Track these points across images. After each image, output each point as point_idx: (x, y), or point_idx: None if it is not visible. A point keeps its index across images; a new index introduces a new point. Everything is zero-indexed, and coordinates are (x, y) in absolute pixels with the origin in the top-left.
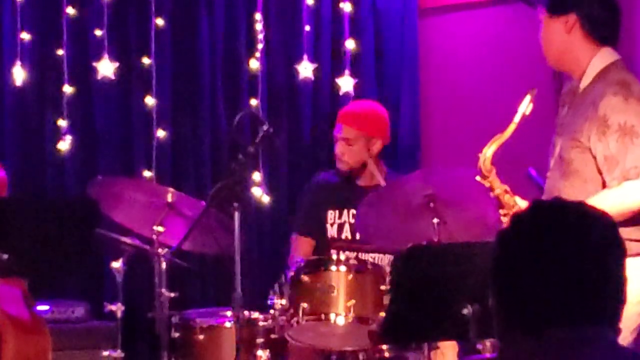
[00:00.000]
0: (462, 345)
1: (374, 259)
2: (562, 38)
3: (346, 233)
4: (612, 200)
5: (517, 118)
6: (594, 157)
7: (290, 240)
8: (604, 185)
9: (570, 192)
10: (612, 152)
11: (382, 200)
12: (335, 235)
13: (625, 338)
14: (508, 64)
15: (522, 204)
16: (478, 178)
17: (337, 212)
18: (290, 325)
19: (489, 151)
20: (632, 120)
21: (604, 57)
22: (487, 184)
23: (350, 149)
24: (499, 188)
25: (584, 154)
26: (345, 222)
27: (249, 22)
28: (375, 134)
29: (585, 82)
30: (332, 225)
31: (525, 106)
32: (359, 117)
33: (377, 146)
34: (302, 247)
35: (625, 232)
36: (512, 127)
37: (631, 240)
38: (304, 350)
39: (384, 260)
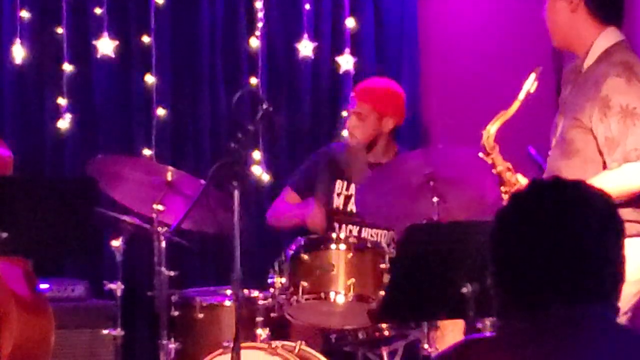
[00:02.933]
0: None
1: (377, 234)
2: (567, 17)
3: (352, 206)
4: (611, 182)
5: (521, 95)
6: (595, 138)
7: (282, 193)
8: (604, 166)
9: (570, 172)
10: (613, 133)
11: (382, 178)
12: (341, 207)
13: (620, 317)
14: (508, 41)
15: (524, 181)
16: (481, 154)
17: (344, 183)
18: (290, 304)
19: (492, 128)
20: (634, 102)
21: (608, 36)
22: (489, 161)
23: (362, 124)
24: (501, 165)
25: (585, 134)
26: (352, 195)
27: (248, 0)
28: (388, 112)
29: (588, 61)
30: (338, 195)
31: (530, 84)
32: (374, 93)
33: (388, 124)
34: (289, 200)
35: (623, 213)
36: (516, 105)
37: (629, 221)
38: (303, 329)
39: (387, 236)
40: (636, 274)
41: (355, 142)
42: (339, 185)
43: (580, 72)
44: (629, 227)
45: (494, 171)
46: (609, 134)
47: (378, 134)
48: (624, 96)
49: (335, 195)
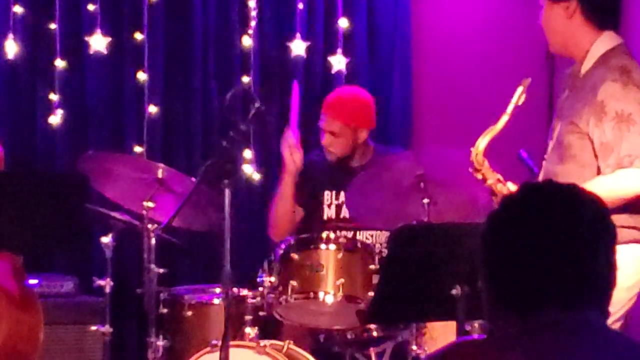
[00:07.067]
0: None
1: (372, 236)
2: (563, 23)
3: (345, 213)
4: (604, 187)
5: (509, 109)
6: (592, 143)
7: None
8: (599, 171)
9: (566, 176)
10: (607, 139)
11: (372, 180)
12: (333, 217)
13: (613, 323)
14: (501, 43)
15: (515, 189)
16: (470, 170)
17: (333, 193)
18: (279, 303)
19: (481, 144)
20: (629, 108)
21: (605, 41)
22: (479, 177)
23: (337, 140)
24: (492, 179)
25: (582, 139)
26: (343, 203)
27: None
28: (361, 124)
29: (586, 66)
30: (329, 206)
31: (518, 96)
32: (344, 108)
33: (363, 135)
34: None
35: (616, 219)
36: (504, 119)
37: (623, 227)
38: (292, 328)
39: (382, 237)
40: (630, 280)
41: (333, 157)
42: (328, 196)
43: (577, 76)
44: (624, 234)
45: (485, 185)
46: (604, 139)
47: (355, 145)
48: (620, 102)
49: (325, 207)
